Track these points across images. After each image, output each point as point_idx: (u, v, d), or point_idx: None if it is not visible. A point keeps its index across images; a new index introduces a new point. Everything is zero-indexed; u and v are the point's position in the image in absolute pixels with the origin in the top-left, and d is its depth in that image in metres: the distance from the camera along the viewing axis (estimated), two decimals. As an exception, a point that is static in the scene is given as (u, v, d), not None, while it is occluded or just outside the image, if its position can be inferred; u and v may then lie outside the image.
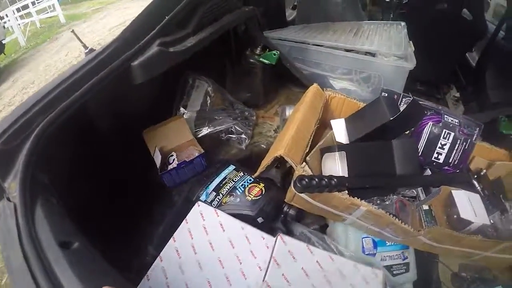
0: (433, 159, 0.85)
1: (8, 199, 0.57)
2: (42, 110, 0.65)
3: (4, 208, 0.57)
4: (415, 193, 0.87)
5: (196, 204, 0.73)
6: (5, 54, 5.15)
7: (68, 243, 0.50)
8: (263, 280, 0.60)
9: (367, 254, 0.76)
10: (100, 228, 0.79)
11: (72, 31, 1.07)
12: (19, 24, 6.23)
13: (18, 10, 6.58)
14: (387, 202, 0.80)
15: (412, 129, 0.88)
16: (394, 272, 0.76)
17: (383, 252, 0.77)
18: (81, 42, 0.98)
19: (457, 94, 1.99)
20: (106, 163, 0.87)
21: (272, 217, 0.78)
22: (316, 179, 0.60)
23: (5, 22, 5.60)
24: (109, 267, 0.51)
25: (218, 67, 1.11)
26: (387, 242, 0.77)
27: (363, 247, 0.77)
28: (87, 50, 0.92)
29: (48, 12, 6.83)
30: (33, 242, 0.48)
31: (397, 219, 0.66)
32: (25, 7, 6.74)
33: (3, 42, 4.69)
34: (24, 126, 0.62)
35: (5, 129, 0.61)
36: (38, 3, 6.84)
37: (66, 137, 0.71)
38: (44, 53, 5.51)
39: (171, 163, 0.92)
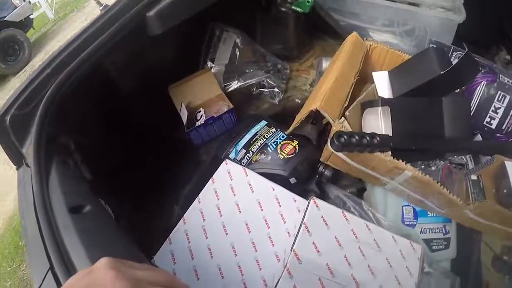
0: (484, 123, 0.76)
1: (27, 165, 0.58)
2: (53, 72, 0.63)
3: (24, 174, 0.58)
4: (464, 160, 0.77)
5: (224, 162, 0.68)
6: (34, 29, 5.21)
7: (79, 207, 0.49)
8: (291, 249, 0.55)
9: (406, 225, 0.69)
10: (125, 188, 0.79)
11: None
12: (45, -2, 6.30)
13: (42, -17, 6.64)
14: (432, 168, 0.71)
15: (463, 87, 0.78)
16: (433, 247, 0.69)
17: (423, 224, 0.70)
18: (95, -1, 0.95)
19: (508, 57, 1.79)
20: (130, 121, 0.85)
21: (305, 177, 0.72)
22: (357, 137, 0.53)
23: (30, -2, 5.70)
24: (120, 233, 0.49)
25: (246, 17, 1.03)
26: (428, 212, 0.70)
27: (402, 216, 0.70)
28: (101, 7, 0.88)
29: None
30: (45, 208, 0.47)
31: (445, 188, 0.58)
32: (49, -21, 6.77)
33: (31, 17, 4.74)
34: (36, 90, 0.61)
35: (18, 95, 0.60)
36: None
37: (84, 97, 0.69)
38: (72, 23, 5.57)
39: (199, 120, 0.87)
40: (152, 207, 0.80)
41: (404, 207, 0.70)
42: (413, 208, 0.70)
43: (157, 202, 0.80)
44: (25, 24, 4.51)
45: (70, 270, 0.39)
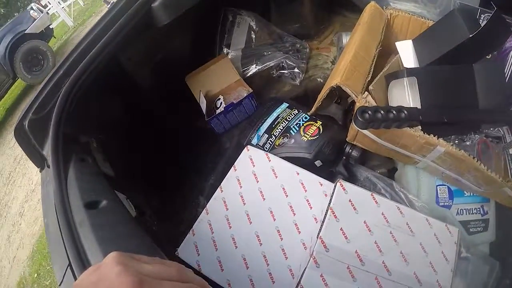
0: (520, 91, 0.69)
1: (48, 166, 0.58)
2: (66, 73, 0.64)
3: (46, 175, 0.59)
4: (502, 132, 0.71)
5: (245, 149, 0.66)
6: (55, 38, 5.39)
7: (94, 203, 0.49)
8: (317, 236, 0.51)
9: (441, 205, 0.64)
10: (151, 182, 0.80)
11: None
12: (62, 7, 6.50)
13: (58, -6, 6.87)
14: (467, 142, 0.66)
15: (495, 52, 0.71)
16: (471, 230, 0.64)
17: (459, 204, 0.65)
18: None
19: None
20: (151, 115, 0.86)
21: (332, 159, 0.69)
22: (382, 111, 0.49)
23: (49, 9, 5.88)
24: (135, 227, 0.49)
25: None
26: (465, 192, 0.65)
27: (437, 196, 0.65)
28: (109, 5, 0.88)
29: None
30: (63, 205, 0.48)
31: (481, 164, 0.53)
32: (65, -11, 6.99)
33: (51, 27, 4.87)
34: (51, 93, 0.63)
35: (34, 99, 0.62)
36: (77, -18, 7.03)
37: (101, 94, 0.70)
38: (91, 28, 5.79)
39: (219, 107, 0.86)
40: (179, 199, 0.80)
41: (438, 186, 0.65)
42: (448, 187, 0.65)
43: (183, 194, 0.80)
44: (46, 34, 4.66)
45: (86, 265, 0.39)
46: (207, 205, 0.61)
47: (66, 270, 0.40)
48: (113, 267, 0.27)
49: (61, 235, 0.44)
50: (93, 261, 0.39)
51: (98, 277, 0.27)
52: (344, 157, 0.69)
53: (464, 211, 0.64)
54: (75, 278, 0.39)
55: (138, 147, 0.83)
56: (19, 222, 2.68)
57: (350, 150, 0.68)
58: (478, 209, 0.65)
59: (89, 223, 0.44)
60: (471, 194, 0.65)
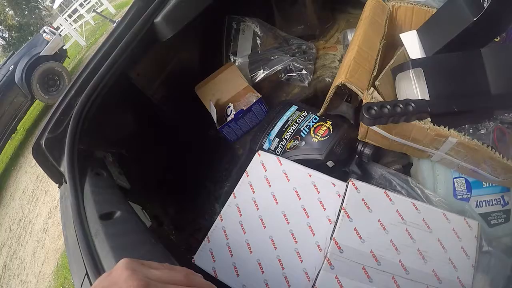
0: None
1: (66, 182, 0.60)
2: (77, 93, 0.67)
3: (64, 190, 0.61)
4: (518, 117, 0.68)
5: (257, 154, 0.66)
6: (69, 58, 5.56)
7: (109, 214, 0.51)
8: (331, 238, 0.51)
9: (459, 199, 0.62)
10: (167, 192, 0.82)
11: (94, 10, 1.06)
12: (74, 28, 6.73)
13: (69, 16, 7.17)
14: (482, 131, 0.64)
15: (503, 34, 0.68)
16: (492, 222, 0.62)
17: (478, 196, 0.62)
18: (106, 17, 0.98)
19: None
20: (163, 127, 0.88)
21: (344, 159, 0.68)
22: (388, 106, 0.48)
23: (61, 31, 6.08)
24: (147, 235, 0.50)
25: (261, 3, 1.02)
26: (483, 183, 0.63)
27: (454, 189, 0.63)
28: (114, 24, 0.91)
29: (97, 8, 7.13)
30: (80, 218, 0.50)
31: (496, 152, 0.51)
32: (75, 11, 7.29)
33: (64, 48, 5.01)
34: (65, 112, 0.65)
35: (49, 119, 0.65)
36: (86, 3, 7.26)
37: (112, 110, 0.72)
38: (104, 46, 5.98)
39: (229, 115, 0.86)
40: (195, 208, 0.81)
41: (455, 179, 0.63)
42: (466, 179, 0.63)
43: (199, 203, 0.82)
44: (60, 55, 4.80)
45: (101, 273, 0.40)
46: (221, 212, 0.61)
47: (84, 279, 0.42)
48: (122, 272, 0.29)
49: (79, 246, 0.45)
50: (108, 268, 0.41)
51: (109, 282, 0.29)
52: (356, 156, 0.68)
53: (484, 202, 0.62)
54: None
55: (153, 159, 0.85)
56: (43, 238, 2.77)
57: (363, 148, 0.67)
58: (498, 200, 0.62)
59: (104, 233, 0.45)
60: (490, 185, 0.62)
